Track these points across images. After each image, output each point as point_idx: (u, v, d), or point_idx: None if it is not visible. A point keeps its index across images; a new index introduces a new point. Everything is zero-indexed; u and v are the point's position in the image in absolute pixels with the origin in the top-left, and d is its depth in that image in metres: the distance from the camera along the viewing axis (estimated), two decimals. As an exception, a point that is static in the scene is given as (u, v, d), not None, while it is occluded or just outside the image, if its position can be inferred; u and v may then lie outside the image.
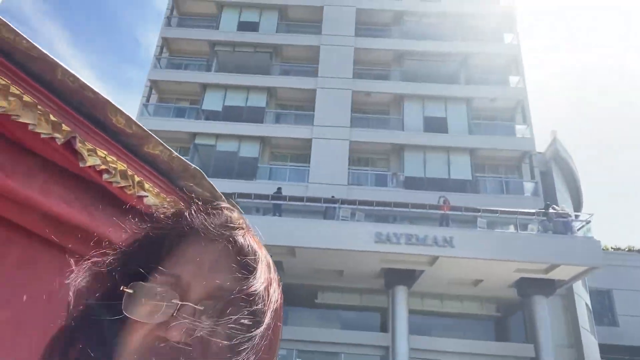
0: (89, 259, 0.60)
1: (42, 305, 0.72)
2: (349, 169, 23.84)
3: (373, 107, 26.59)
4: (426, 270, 19.28)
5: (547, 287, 19.65)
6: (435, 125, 24.87)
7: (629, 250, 30.00)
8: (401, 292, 19.77)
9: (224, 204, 0.64)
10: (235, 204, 1.10)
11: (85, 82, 0.75)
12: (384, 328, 21.67)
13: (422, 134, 24.56)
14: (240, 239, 0.60)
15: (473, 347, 20.92)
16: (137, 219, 0.63)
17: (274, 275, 0.64)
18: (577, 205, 27.09)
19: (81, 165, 0.72)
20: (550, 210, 19.46)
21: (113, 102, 0.77)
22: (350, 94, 25.57)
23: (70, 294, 0.57)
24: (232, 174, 23.92)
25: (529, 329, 20.43)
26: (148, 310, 0.53)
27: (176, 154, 0.87)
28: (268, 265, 0.63)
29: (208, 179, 0.97)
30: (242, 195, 19.71)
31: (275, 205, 19.97)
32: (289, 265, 19.98)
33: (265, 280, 0.60)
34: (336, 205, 19.33)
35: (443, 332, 22.03)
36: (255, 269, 0.59)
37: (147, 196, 0.83)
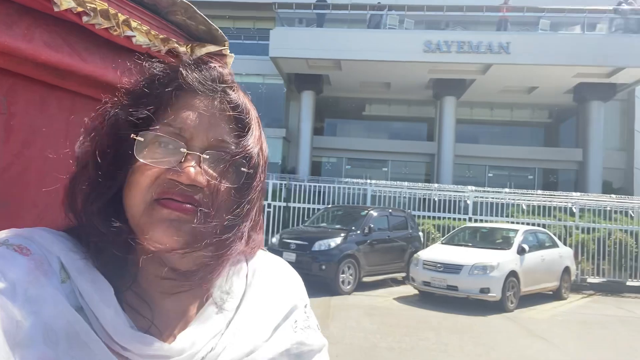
0: (100, 102, 0.63)
1: (61, 143, 0.78)
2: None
3: None
4: (477, 79, 18.59)
5: (606, 91, 18.66)
6: None
7: None
8: (449, 102, 19.56)
9: (215, 63, 0.65)
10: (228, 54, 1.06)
11: None
12: (430, 137, 22.21)
13: None
14: (233, 95, 0.63)
15: (519, 152, 21.31)
16: (131, 61, 0.64)
17: (263, 132, 0.68)
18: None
19: (55, 9, 0.69)
20: (623, 6, 17.21)
21: None
22: None
23: (85, 133, 0.63)
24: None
25: (580, 134, 20.23)
26: (158, 156, 0.58)
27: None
28: (258, 122, 0.67)
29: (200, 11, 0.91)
30: (282, 6, 18.64)
31: (319, 15, 18.88)
32: (335, 79, 19.86)
33: (258, 136, 0.65)
34: (383, 12, 17.99)
35: (491, 140, 22.33)
36: (249, 124, 0.63)
37: (135, 35, 0.81)
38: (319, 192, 12.99)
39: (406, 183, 14.12)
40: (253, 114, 0.65)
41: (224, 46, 0.98)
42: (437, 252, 9.12)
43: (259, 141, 0.65)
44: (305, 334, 0.68)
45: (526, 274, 8.67)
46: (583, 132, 19.79)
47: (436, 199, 12.45)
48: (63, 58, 0.74)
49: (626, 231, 11.73)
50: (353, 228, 9.54)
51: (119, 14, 0.77)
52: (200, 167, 0.58)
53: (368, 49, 16.99)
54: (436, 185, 13.68)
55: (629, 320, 8.11)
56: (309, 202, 12.61)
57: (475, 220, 12.15)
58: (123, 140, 0.59)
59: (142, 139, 0.58)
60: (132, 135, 0.58)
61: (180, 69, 0.62)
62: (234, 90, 0.64)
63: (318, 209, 12.18)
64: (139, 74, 0.64)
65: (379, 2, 18.51)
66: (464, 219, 12.31)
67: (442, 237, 11.08)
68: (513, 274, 8.37)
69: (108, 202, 0.60)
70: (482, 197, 12.65)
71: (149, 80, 0.62)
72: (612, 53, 16.50)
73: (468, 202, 12.54)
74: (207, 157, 0.59)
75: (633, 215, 12.64)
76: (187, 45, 0.91)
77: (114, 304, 0.55)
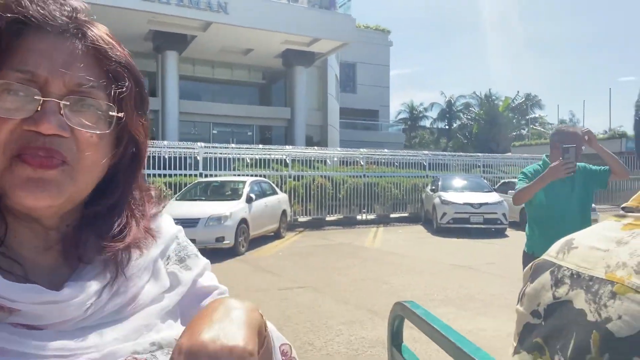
0: None
1: None
2: None
3: None
4: (198, 35, 18.74)
5: (307, 58, 21.77)
6: None
7: (376, 28, 34.53)
8: (172, 57, 19.16)
9: None
10: None
11: None
12: (152, 92, 21.34)
13: None
14: (92, 33, 0.56)
15: (239, 110, 22.84)
16: None
17: (137, 74, 0.61)
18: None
19: None
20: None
21: None
22: None
23: None
24: None
25: (288, 96, 23.10)
26: (8, 107, 0.50)
27: None
28: (129, 64, 0.60)
29: None
30: None
31: None
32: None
33: (128, 77, 0.58)
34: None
35: (213, 97, 23.08)
36: (116, 67, 0.57)
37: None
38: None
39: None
40: (120, 54, 0.59)
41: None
42: (173, 208, 9.15)
43: (132, 87, 0.58)
44: (178, 266, 0.68)
45: (254, 219, 9.67)
46: (290, 93, 22.66)
47: (166, 156, 12.29)
48: None
49: (325, 177, 14.31)
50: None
51: None
52: (62, 114, 0.51)
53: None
54: (165, 142, 13.43)
55: (331, 246, 10.16)
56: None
57: (206, 176, 12.61)
58: None
59: None
60: None
61: (21, 1, 0.53)
62: (93, 28, 0.57)
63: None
64: None
65: None
66: (195, 175, 12.62)
67: (174, 194, 11.12)
68: (244, 221, 9.21)
69: None
70: (211, 153, 13.16)
71: None
72: (310, 25, 19.23)
73: (198, 158, 12.86)
74: (68, 103, 0.52)
75: (329, 163, 15.48)
76: None
77: None
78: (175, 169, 12.45)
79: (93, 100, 0.54)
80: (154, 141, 14.49)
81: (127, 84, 0.58)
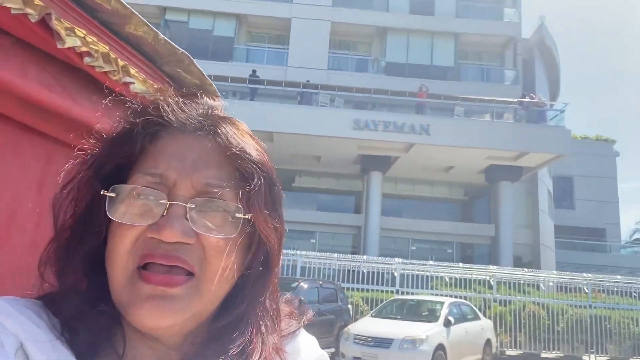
0: (78, 149, 0.55)
1: (34, 195, 0.70)
2: (329, 52, 22.98)
3: (356, -16, 24.84)
4: (401, 156, 19.79)
5: (514, 173, 20.61)
6: (421, 6, 23.64)
7: (597, 139, 31.14)
8: (376, 177, 20.48)
9: (204, 97, 0.58)
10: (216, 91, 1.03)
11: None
12: (357, 210, 22.83)
13: (407, 16, 23.42)
14: (224, 130, 0.53)
15: (439, 227, 22.45)
16: (123, 108, 0.58)
17: (270, 161, 0.57)
18: (554, 95, 27.35)
19: (59, 46, 0.65)
20: (527, 99, 19.64)
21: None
22: (332, -31, 23.67)
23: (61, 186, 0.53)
24: (206, 55, 22.78)
25: (492, 212, 21.84)
26: (135, 212, 0.49)
27: (162, 35, 0.79)
28: (265, 165, 0.55)
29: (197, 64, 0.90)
30: (217, 78, 18.99)
31: (252, 89, 19.47)
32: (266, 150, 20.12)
33: (263, 177, 0.54)
34: (315, 91, 18.98)
35: (413, 214, 23.40)
36: (250, 168, 0.53)
37: (134, 83, 0.77)
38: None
39: (336, 254, 14.18)
40: (256, 154, 0.54)
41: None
42: (368, 325, 9.03)
43: (263, 185, 0.53)
44: None
45: (452, 346, 8.77)
46: (494, 209, 21.41)
47: (365, 270, 12.56)
48: (55, 98, 0.69)
49: (539, 304, 12.43)
50: (283, 300, 9.24)
51: (119, 59, 0.74)
52: (187, 219, 0.48)
53: (300, 123, 17.63)
54: (365, 257, 13.85)
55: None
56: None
57: (402, 292, 12.32)
58: (98, 198, 0.50)
59: (113, 195, 0.49)
60: (102, 191, 0.49)
61: (160, 103, 0.53)
62: (227, 124, 0.54)
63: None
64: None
65: (308, 81, 19.54)
66: (392, 291, 12.45)
67: (370, 309, 11.06)
68: (440, 347, 8.44)
69: (90, 267, 0.51)
70: (408, 270, 12.96)
71: (124, 122, 0.53)
72: (517, 139, 18.47)
73: (395, 274, 12.77)
74: (194, 205, 0.49)
75: (543, 288, 13.51)
76: None
77: None
78: (372, 284, 12.54)
79: (221, 201, 0.50)
80: (354, 255, 15.12)
81: (256, 181, 0.52)
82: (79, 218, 0.52)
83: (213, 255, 0.49)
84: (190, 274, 0.49)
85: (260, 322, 0.55)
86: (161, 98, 0.54)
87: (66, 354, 0.46)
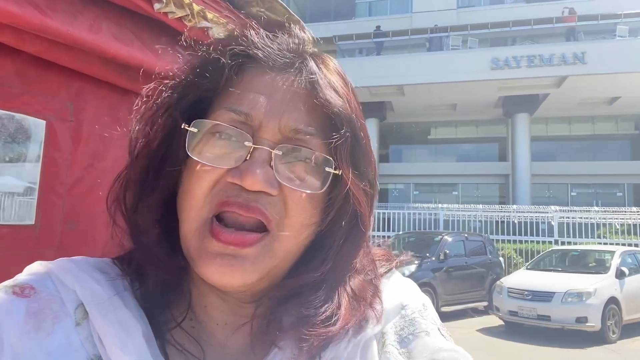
0: (153, 90, 0.49)
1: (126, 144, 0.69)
2: (457, -11, 21.22)
3: None
4: (551, 93, 17.61)
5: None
6: None
7: None
8: (522, 119, 18.66)
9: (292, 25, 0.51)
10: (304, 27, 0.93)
11: None
12: (502, 157, 21.21)
13: None
14: (315, 69, 0.47)
15: (605, 168, 19.73)
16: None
17: (364, 123, 0.50)
18: None
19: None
20: None
21: None
22: None
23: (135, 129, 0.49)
24: (329, 16, 22.84)
25: (674, 145, 18.40)
26: (215, 152, 0.44)
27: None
28: (357, 108, 0.49)
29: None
30: (342, 38, 18.97)
31: (378, 44, 18.98)
32: (398, 105, 19.68)
33: (357, 127, 0.48)
34: (445, 34, 17.73)
35: (571, 156, 20.94)
36: (341, 111, 0.46)
37: (212, 27, 0.72)
38: (388, 219, 12.69)
39: (481, 206, 13.46)
40: (347, 95, 0.48)
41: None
42: (523, 278, 8.46)
43: (356, 139, 0.47)
44: (396, 350, 0.48)
45: (628, 300, 7.77)
46: (678, 142, 17.99)
47: (516, 221, 11.72)
48: (134, 52, 0.67)
49: None
50: (427, 255, 9.12)
51: (194, 4, 0.69)
52: (271, 166, 0.44)
53: (431, 72, 16.73)
54: (515, 206, 12.90)
55: None
56: (377, 230, 12.33)
57: (562, 243, 11.24)
58: (177, 132, 0.46)
59: (195, 130, 0.45)
60: (183, 125, 0.45)
61: (247, 32, 0.47)
62: (319, 63, 0.48)
63: (388, 237, 11.86)
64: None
65: (435, 25, 18.31)
66: (549, 242, 11.44)
67: (526, 262, 10.32)
68: (613, 300, 7.53)
69: (162, 213, 0.48)
70: (568, 218, 11.73)
71: (206, 54, 0.48)
72: None
73: (553, 223, 11.66)
74: (280, 153, 0.44)
75: None
76: None
77: (139, 352, 0.42)
78: (525, 235, 11.66)
79: (309, 151, 0.45)
80: (502, 205, 14.16)
81: (349, 133, 0.46)
82: (157, 149, 0.48)
83: (295, 210, 0.45)
84: (264, 229, 0.44)
85: (348, 286, 0.49)
86: (248, 29, 0.49)
87: (124, 310, 0.44)
